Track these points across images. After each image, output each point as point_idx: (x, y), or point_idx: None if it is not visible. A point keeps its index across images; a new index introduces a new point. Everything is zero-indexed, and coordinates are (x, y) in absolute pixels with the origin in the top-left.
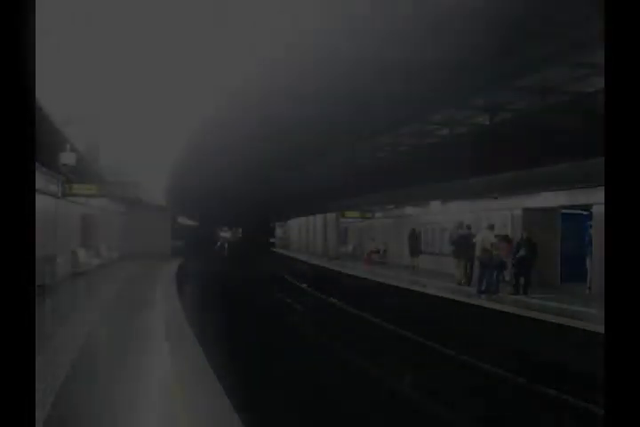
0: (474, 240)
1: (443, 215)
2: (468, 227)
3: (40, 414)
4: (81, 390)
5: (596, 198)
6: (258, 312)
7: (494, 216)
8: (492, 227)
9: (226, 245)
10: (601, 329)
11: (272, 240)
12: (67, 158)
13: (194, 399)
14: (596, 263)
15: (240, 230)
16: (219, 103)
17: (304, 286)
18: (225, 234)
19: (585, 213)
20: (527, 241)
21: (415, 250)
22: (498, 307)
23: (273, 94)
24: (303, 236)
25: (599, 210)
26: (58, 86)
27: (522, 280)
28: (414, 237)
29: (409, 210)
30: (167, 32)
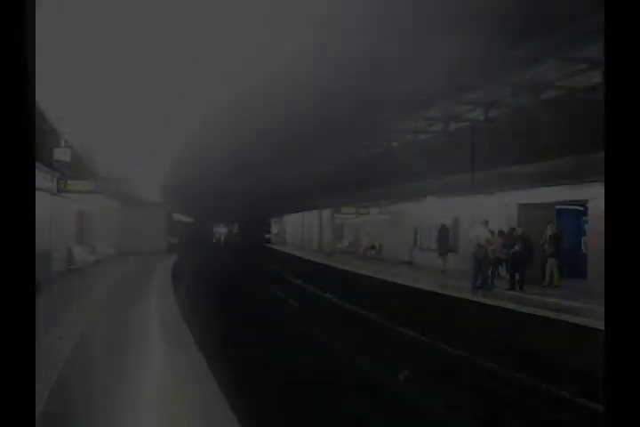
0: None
1: (439, 211)
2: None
3: None
4: None
5: (591, 194)
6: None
7: (491, 212)
8: (486, 223)
9: (222, 240)
10: (595, 325)
11: (268, 236)
12: (61, 154)
13: None
14: (591, 259)
15: (236, 226)
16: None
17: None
18: (221, 230)
19: (581, 208)
20: (522, 237)
21: (444, 249)
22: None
23: (269, 91)
24: (298, 231)
25: (594, 205)
26: (51, 81)
27: (517, 276)
28: (444, 234)
29: (406, 206)
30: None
